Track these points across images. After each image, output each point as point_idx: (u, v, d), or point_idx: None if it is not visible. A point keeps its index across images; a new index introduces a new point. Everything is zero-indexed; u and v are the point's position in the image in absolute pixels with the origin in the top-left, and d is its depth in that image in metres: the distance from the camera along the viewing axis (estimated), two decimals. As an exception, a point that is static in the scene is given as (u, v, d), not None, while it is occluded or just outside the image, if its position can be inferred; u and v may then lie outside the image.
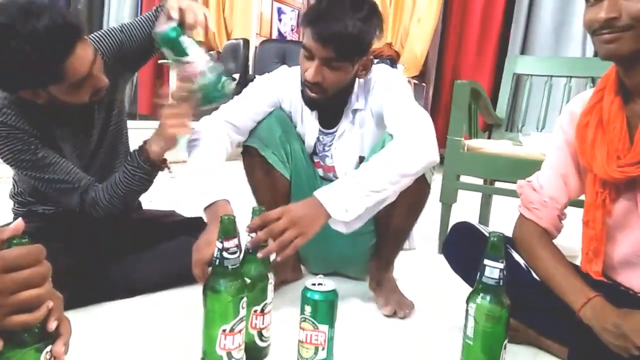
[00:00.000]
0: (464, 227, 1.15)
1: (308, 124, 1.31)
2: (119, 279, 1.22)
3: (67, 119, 1.15)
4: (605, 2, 0.85)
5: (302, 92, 1.23)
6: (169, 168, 1.23)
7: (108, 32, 1.19)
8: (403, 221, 1.25)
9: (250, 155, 1.27)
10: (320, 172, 1.36)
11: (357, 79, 1.25)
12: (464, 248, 1.11)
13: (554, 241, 1.07)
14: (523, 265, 1.06)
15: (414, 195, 1.17)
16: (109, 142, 1.27)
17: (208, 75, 1.06)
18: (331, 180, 1.30)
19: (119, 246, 1.26)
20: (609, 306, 0.90)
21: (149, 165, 1.15)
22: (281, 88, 1.30)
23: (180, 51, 1.05)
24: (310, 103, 1.24)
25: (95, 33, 1.19)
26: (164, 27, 1.04)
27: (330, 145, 1.31)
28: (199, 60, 1.06)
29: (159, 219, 1.43)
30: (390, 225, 1.25)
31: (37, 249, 0.56)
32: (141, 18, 1.21)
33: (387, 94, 1.22)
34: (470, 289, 0.86)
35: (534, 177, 1.10)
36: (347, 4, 1.13)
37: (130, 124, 1.37)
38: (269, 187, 1.28)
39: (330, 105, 1.26)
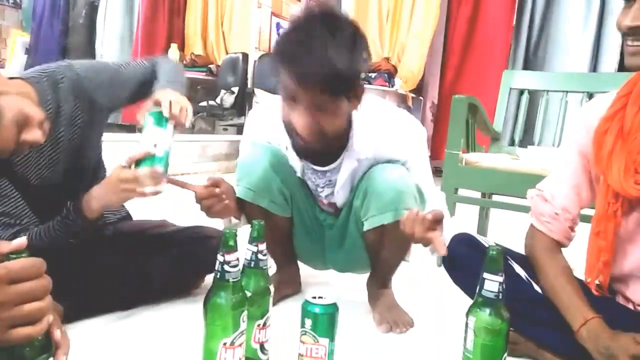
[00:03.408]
0: (464, 239, 1.15)
1: (294, 161, 1.22)
2: (110, 290, 1.20)
3: None
4: (634, 7, 0.80)
5: (290, 137, 1.12)
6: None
7: (103, 69, 1.19)
8: (393, 253, 1.25)
9: (246, 202, 1.22)
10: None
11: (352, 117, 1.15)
12: (463, 259, 1.10)
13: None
14: (524, 277, 1.06)
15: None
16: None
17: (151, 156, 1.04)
18: (330, 213, 1.32)
19: (107, 259, 1.23)
20: (604, 328, 0.90)
21: (82, 222, 1.07)
22: (266, 135, 1.24)
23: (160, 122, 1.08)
24: (303, 152, 1.14)
25: (94, 66, 1.19)
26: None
27: (324, 187, 1.25)
28: (145, 142, 1.05)
29: (150, 230, 1.37)
30: (381, 256, 1.26)
31: (39, 261, 0.57)
32: (135, 65, 1.25)
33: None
34: (470, 301, 0.86)
35: (546, 186, 1.07)
36: (325, 31, 0.98)
37: (110, 136, 1.36)
38: (270, 229, 1.22)
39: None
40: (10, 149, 0.95)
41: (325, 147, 1.11)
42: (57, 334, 0.60)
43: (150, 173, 1.02)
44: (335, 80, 0.98)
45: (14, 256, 0.57)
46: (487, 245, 1.07)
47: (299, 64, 0.98)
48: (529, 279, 1.06)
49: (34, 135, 0.97)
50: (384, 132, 1.18)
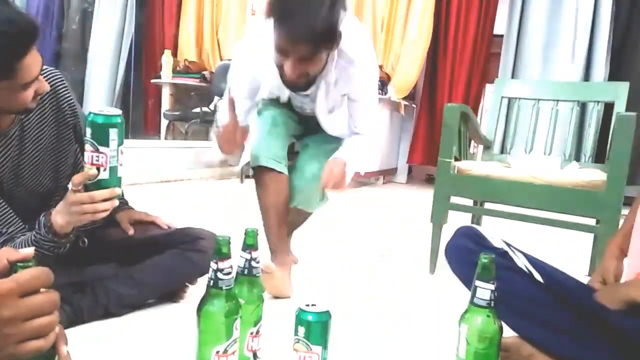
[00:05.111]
0: (469, 233, 1.13)
1: (280, 88, 1.47)
2: (104, 296, 1.20)
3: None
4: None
5: (281, 76, 1.34)
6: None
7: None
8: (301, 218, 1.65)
9: (262, 169, 1.45)
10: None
11: None
12: (465, 252, 1.09)
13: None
14: (524, 269, 1.04)
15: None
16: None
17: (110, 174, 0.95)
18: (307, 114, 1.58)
19: (97, 265, 1.24)
20: None
21: (55, 236, 1.03)
22: (255, 68, 1.45)
23: (102, 139, 0.91)
24: (291, 86, 1.39)
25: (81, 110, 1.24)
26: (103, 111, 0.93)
27: (307, 103, 1.51)
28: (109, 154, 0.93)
29: (139, 234, 1.35)
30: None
31: (47, 271, 0.55)
32: None
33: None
34: (466, 301, 0.86)
35: None
36: None
37: (135, 142, 1.37)
38: (276, 192, 1.48)
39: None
40: (35, 76, 1.01)
41: (308, 82, 1.37)
42: (63, 349, 0.59)
43: (98, 195, 0.95)
44: (320, 40, 1.23)
45: (21, 265, 0.56)
46: (489, 239, 1.07)
47: (290, 26, 1.20)
48: (530, 269, 1.03)
49: (45, 82, 1.07)
50: (351, 66, 1.40)
